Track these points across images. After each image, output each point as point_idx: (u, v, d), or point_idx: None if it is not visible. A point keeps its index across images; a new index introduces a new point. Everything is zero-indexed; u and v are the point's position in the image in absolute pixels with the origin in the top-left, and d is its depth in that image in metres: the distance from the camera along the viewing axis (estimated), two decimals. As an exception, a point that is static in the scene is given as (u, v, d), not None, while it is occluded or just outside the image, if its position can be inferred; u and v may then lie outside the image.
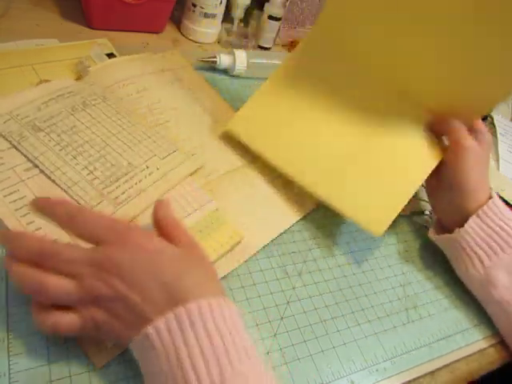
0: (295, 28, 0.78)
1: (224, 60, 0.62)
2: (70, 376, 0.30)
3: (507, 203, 0.60)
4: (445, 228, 0.48)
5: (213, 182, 0.45)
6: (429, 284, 0.47)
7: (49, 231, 0.34)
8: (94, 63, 0.52)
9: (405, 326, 0.42)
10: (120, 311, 0.27)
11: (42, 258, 0.27)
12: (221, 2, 0.66)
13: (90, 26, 0.61)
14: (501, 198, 0.61)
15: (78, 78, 0.50)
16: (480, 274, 0.43)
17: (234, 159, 0.49)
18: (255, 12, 0.75)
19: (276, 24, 0.73)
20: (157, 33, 0.68)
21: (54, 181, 0.37)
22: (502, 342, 0.45)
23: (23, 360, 0.30)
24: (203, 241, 0.39)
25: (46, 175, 0.37)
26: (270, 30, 0.73)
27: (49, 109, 0.42)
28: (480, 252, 0.43)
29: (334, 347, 0.38)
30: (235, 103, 0.60)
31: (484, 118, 0.79)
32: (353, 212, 0.45)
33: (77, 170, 0.39)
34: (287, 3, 0.72)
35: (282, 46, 0.79)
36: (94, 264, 0.27)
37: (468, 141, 0.44)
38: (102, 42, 0.57)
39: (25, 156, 0.38)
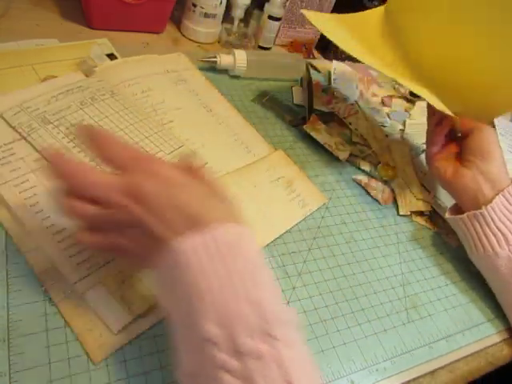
0: (295, 28, 0.78)
1: (224, 60, 0.62)
2: (70, 376, 0.30)
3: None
4: (461, 212, 0.48)
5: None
6: (429, 284, 0.47)
7: (56, 221, 0.34)
8: (94, 63, 0.52)
9: (405, 325, 0.42)
10: (143, 236, 0.27)
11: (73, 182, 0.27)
12: (221, 2, 0.66)
13: (90, 26, 0.61)
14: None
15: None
16: (506, 251, 0.43)
17: (237, 160, 0.49)
18: (255, 12, 0.75)
19: (276, 24, 0.73)
20: (157, 33, 0.68)
21: None
22: (502, 342, 0.45)
23: (23, 360, 0.30)
24: None
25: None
26: (270, 29, 0.73)
27: (58, 102, 0.43)
28: (505, 229, 0.44)
29: (334, 347, 0.38)
30: (235, 103, 0.60)
31: (484, 118, 0.79)
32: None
33: (84, 161, 0.39)
34: (287, 3, 0.72)
35: (282, 46, 0.79)
36: (120, 190, 0.27)
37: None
38: (102, 42, 0.57)
39: (34, 147, 0.38)
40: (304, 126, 0.58)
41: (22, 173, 0.36)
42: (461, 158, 0.49)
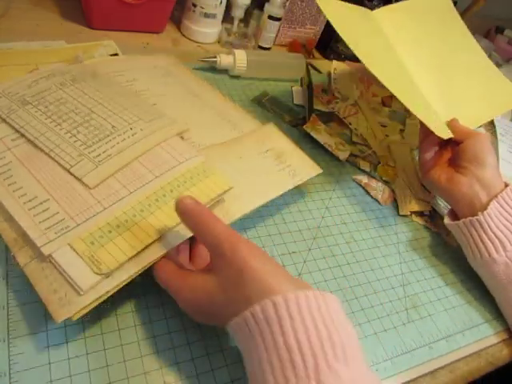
0: (295, 28, 0.78)
1: (224, 60, 0.62)
2: (70, 376, 0.30)
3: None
4: (458, 218, 0.48)
5: (200, 151, 0.44)
6: (429, 284, 0.47)
7: (28, 191, 0.35)
8: (83, 58, 0.52)
9: (405, 325, 0.42)
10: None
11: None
12: (221, 2, 0.66)
13: (90, 26, 0.61)
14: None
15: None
16: (503, 257, 0.43)
17: (222, 136, 0.48)
18: (255, 12, 0.75)
19: (276, 24, 0.73)
20: (157, 33, 0.68)
21: (37, 146, 0.38)
22: (502, 342, 0.45)
23: (23, 360, 0.30)
24: (187, 191, 0.38)
25: (31, 143, 0.38)
26: (270, 29, 0.73)
27: (38, 86, 0.44)
28: (501, 235, 0.44)
29: (334, 347, 0.38)
30: (237, 93, 0.60)
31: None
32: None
33: (60, 134, 0.39)
34: (287, 3, 0.72)
35: (282, 46, 0.79)
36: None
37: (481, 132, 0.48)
38: (108, 43, 0.57)
39: (12, 127, 0.39)
40: (304, 126, 0.58)
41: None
42: (455, 164, 0.49)
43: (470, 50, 0.60)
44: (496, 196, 0.45)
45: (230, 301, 0.28)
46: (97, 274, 0.31)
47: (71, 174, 0.36)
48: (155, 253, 0.33)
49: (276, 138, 0.50)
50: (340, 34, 0.44)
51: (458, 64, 0.58)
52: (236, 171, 0.43)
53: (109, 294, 0.31)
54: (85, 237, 0.33)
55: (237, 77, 0.65)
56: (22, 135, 0.39)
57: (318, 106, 0.63)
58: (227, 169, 0.43)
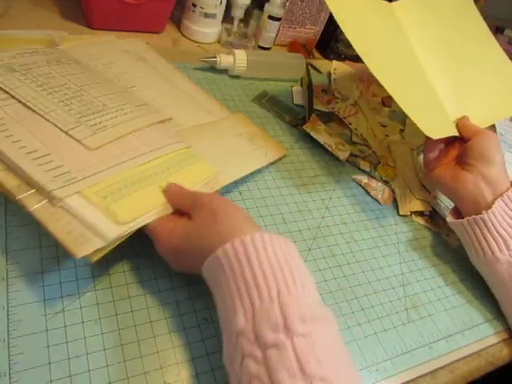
0: (295, 28, 0.78)
1: (224, 60, 0.62)
2: (70, 376, 0.30)
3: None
4: (461, 216, 0.48)
5: (181, 131, 0.47)
6: (429, 284, 0.47)
7: (28, 144, 0.35)
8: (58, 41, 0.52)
9: (405, 325, 0.42)
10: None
11: None
12: (221, 2, 0.66)
13: (90, 26, 0.61)
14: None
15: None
16: (506, 256, 0.43)
17: (199, 118, 0.51)
18: (255, 12, 0.75)
19: (276, 24, 0.73)
20: (157, 33, 0.68)
21: (30, 108, 0.38)
22: (501, 342, 0.45)
23: (23, 360, 0.30)
24: (178, 172, 0.40)
25: (23, 105, 0.38)
26: (270, 29, 0.73)
27: (24, 59, 0.44)
28: (505, 234, 0.44)
29: (334, 347, 0.38)
30: (235, 103, 0.60)
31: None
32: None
33: (53, 102, 0.39)
34: (287, 3, 0.72)
35: (282, 46, 0.79)
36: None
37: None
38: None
39: (1, 89, 0.38)
40: (304, 126, 0.58)
41: None
42: (461, 161, 0.49)
43: (487, 45, 0.59)
44: (501, 195, 0.45)
45: (204, 238, 0.32)
46: (114, 223, 0.33)
47: (70, 136, 0.37)
48: (154, 215, 0.36)
49: (246, 124, 0.55)
50: (341, 27, 0.43)
51: (473, 58, 0.57)
52: (217, 149, 0.48)
53: (123, 238, 0.33)
54: (96, 190, 0.34)
55: (237, 77, 0.65)
56: (13, 97, 0.38)
57: (317, 106, 0.63)
58: (210, 147, 0.47)
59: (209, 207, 0.34)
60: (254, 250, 0.29)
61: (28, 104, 0.38)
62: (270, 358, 0.25)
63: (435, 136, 0.47)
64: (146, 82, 0.53)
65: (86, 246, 0.31)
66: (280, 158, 0.54)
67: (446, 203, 0.57)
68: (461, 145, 0.50)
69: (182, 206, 0.36)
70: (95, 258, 0.31)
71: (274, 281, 0.28)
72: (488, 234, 0.44)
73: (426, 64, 0.53)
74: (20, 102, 0.38)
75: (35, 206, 0.31)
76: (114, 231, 0.32)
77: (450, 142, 0.51)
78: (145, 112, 0.45)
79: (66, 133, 0.37)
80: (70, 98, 0.41)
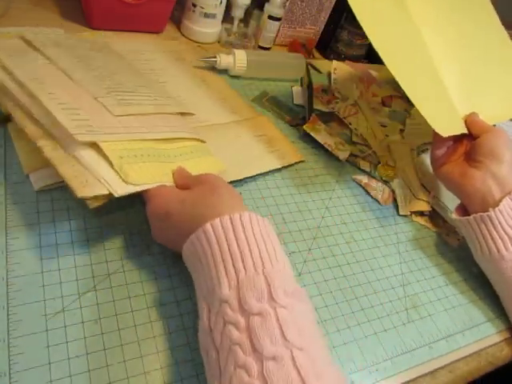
0: (295, 28, 0.78)
1: (224, 60, 0.62)
2: (70, 376, 0.30)
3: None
4: (468, 213, 0.48)
5: (201, 127, 0.50)
6: (429, 284, 0.47)
7: (60, 96, 0.37)
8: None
9: (405, 325, 0.42)
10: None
11: None
12: (221, 2, 0.66)
13: (90, 26, 0.61)
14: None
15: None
16: (511, 254, 0.43)
17: (223, 117, 0.55)
18: (255, 12, 0.75)
19: (276, 24, 0.73)
20: (157, 33, 0.68)
21: (69, 76, 0.41)
22: (502, 342, 0.45)
23: (23, 360, 0.30)
24: (191, 160, 0.42)
25: (62, 72, 0.41)
26: (270, 29, 0.73)
27: (70, 41, 0.49)
28: (511, 232, 0.44)
29: (334, 347, 0.38)
30: (237, 93, 0.60)
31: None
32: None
33: (89, 75, 0.43)
34: (287, 3, 0.72)
35: (282, 46, 0.79)
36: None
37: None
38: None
39: (46, 57, 0.42)
40: (304, 126, 0.58)
41: (33, 66, 0.41)
42: (469, 158, 0.49)
43: (499, 40, 0.57)
44: (510, 193, 0.45)
45: (198, 206, 0.33)
46: (123, 181, 0.34)
47: (98, 101, 0.40)
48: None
49: (268, 127, 0.57)
50: (357, 17, 0.42)
51: (485, 54, 0.56)
52: (234, 147, 0.50)
53: (124, 195, 0.34)
54: (114, 148, 0.36)
55: (237, 77, 0.65)
56: (55, 64, 0.42)
57: (317, 106, 0.63)
58: (224, 145, 0.50)
59: (211, 182, 0.36)
60: (242, 227, 0.31)
61: (66, 71, 0.41)
62: (252, 324, 0.26)
63: (446, 133, 0.47)
64: (178, 80, 0.58)
65: (88, 189, 0.33)
66: (294, 164, 0.54)
67: (445, 203, 0.57)
68: (469, 142, 0.50)
69: (186, 185, 0.37)
70: (94, 205, 0.33)
71: (259, 255, 0.30)
72: (494, 232, 0.44)
73: (437, 57, 0.52)
74: (60, 69, 0.42)
75: (51, 151, 0.34)
76: (121, 188, 0.34)
77: (458, 138, 0.51)
78: (170, 102, 0.47)
79: (95, 99, 0.40)
80: (104, 76, 0.44)
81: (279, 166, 0.52)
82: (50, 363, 0.30)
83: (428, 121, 0.45)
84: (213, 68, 0.63)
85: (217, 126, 0.52)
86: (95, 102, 0.39)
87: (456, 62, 0.53)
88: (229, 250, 0.30)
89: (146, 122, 0.41)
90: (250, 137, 0.54)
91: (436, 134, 0.50)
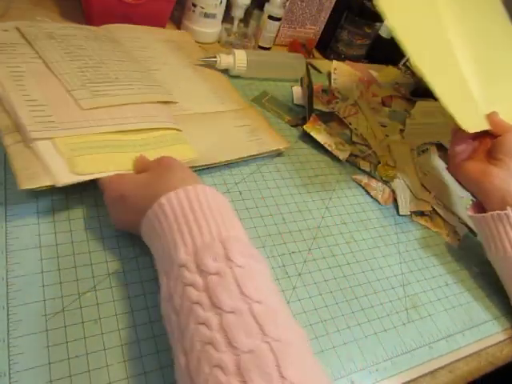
0: (295, 28, 0.78)
1: (224, 60, 0.62)
2: (70, 376, 0.30)
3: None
4: (484, 211, 0.48)
5: (183, 115, 0.50)
6: (429, 284, 0.47)
7: (31, 94, 0.41)
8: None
9: (405, 325, 0.42)
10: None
11: None
12: (221, 2, 0.66)
13: (90, 26, 0.61)
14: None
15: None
16: None
17: (208, 106, 0.54)
18: (255, 12, 0.75)
19: (276, 24, 0.73)
20: (157, 33, 0.67)
21: (50, 68, 0.44)
22: (502, 342, 0.45)
23: (23, 360, 0.30)
24: (158, 149, 0.43)
25: (45, 65, 0.45)
26: (270, 30, 0.73)
27: (67, 30, 0.51)
28: None
29: (333, 347, 0.38)
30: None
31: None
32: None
33: (71, 67, 0.46)
34: (287, 3, 0.72)
35: (282, 46, 0.79)
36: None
37: None
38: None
39: (34, 50, 0.46)
40: (304, 126, 0.58)
41: (17, 61, 0.44)
42: (489, 156, 0.49)
43: None
44: None
45: (153, 185, 0.34)
46: (70, 172, 0.37)
47: (71, 95, 0.42)
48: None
49: (255, 118, 0.56)
50: (384, 14, 0.42)
51: (503, 53, 0.56)
52: (210, 136, 0.50)
53: (67, 184, 0.36)
54: (68, 142, 0.39)
55: (237, 77, 0.65)
56: (40, 57, 0.45)
57: (317, 106, 0.63)
58: (203, 134, 0.49)
59: (165, 162, 0.37)
60: (196, 199, 0.31)
61: (49, 65, 0.44)
62: (210, 283, 0.27)
63: (471, 130, 0.47)
64: (172, 68, 0.57)
65: (32, 181, 0.35)
66: (280, 151, 0.54)
67: (446, 203, 0.57)
68: (489, 140, 0.50)
69: (144, 170, 0.38)
70: (38, 188, 0.35)
71: (214, 223, 0.30)
72: (511, 232, 0.44)
73: (460, 55, 0.51)
74: (44, 62, 0.45)
75: (11, 143, 0.37)
76: (66, 178, 0.36)
77: (477, 136, 0.51)
78: (153, 91, 0.49)
79: (68, 92, 0.42)
80: (88, 66, 0.46)
81: (255, 153, 0.51)
82: (49, 363, 0.30)
83: (455, 117, 0.45)
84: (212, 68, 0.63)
85: (199, 114, 0.52)
86: (67, 95, 0.42)
87: (476, 61, 0.52)
88: (184, 219, 0.30)
89: (116, 113, 0.43)
90: (231, 126, 0.53)
91: (457, 131, 0.50)
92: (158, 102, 0.48)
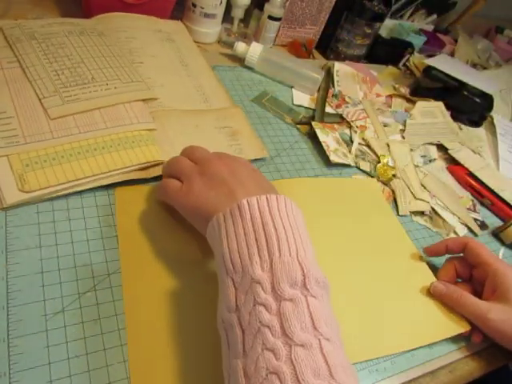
0: (295, 28, 0.78)
1: (240, 46, 0.65)
2: (70, 376, 0.30)
3: (507, 204, 0.60)
4: None
5: (161, 112, 0.49)
6: (429, 284, 0.47)
7: (0, 106, 0.41)
8: None
9: (405, 326, 0.42)
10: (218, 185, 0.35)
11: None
12: (221, 2, 0.66)
13: (90, 26, 0.61)
14: (500, 198, 0.61)
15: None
16: None
17: (190, 104, 0.53)
18: (255, 12, 0.75)
19: (276, 24, 0.73)
20: (157, 33, 0.67)
21: (25, 74, 0.44)
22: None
23: (23, 360, 0.30)
24: (123, 150, 0.42)
25: (22, 70, 0.45)
26: (270, 30, 0.73)
27: (50, 28, 0.51)
28: None
29: (333, 347, 0.38)
30: (237, 93, 0.60)
31: (484, 118, 0.78)
32: None
33: (48, 71, 0.45)
34: (287, 3, 0.72)
35: (282, 46, 0.79)
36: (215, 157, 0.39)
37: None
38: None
39: (13, 53, 0.46)
40: (313, 123, 0.59)
41: None
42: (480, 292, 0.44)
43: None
44: None
45: (231, 184, 0.34)
46: (19, 189, 0.36)
47: (41, 103, 0.42)
48: (69, 189, 0.39)
49: (238, 120, 0.54)
50: None
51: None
52: (186, 136, 0.48)
53: (14, 203, 0.36)
54: (23, 158, 0.38)
55: (250, 69, 0.67)
56: (18, 61, 0.45)
57: (326, 110, 0.64)
58: (178, 133, 0.48)
59: (243, 162, 0.38)
60: (277, 210, 0.31)
61: (26, 70, 0.44)
62: (284, 309, 0.27)
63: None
64: (158, 61, 0.56)
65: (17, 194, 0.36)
66: (256, 160, 0.51)
67: (445, 203, 0.57)
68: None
69: (197, 161, 0.38)
70: None
71: (293, 240, 0.30)
72: None
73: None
74: (21, 67, 0.45)
75: None
76: (14, 197, 0.36)
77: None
78: (131, 89, 0.48)
79: (39, 100, 0.42)
80: (65, 68, 0.46)
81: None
82: (49, 363, 0.30)
83: None
84: (204, 54, 0.63)
85: (179, 111, 0.50)
86: (38, 103, 0.42)
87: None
88: (263, 230, 0.29)
89: (84, 120, 0.43)
90: (212, 127, 0.51)
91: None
92: (134, 100, 0.47)
